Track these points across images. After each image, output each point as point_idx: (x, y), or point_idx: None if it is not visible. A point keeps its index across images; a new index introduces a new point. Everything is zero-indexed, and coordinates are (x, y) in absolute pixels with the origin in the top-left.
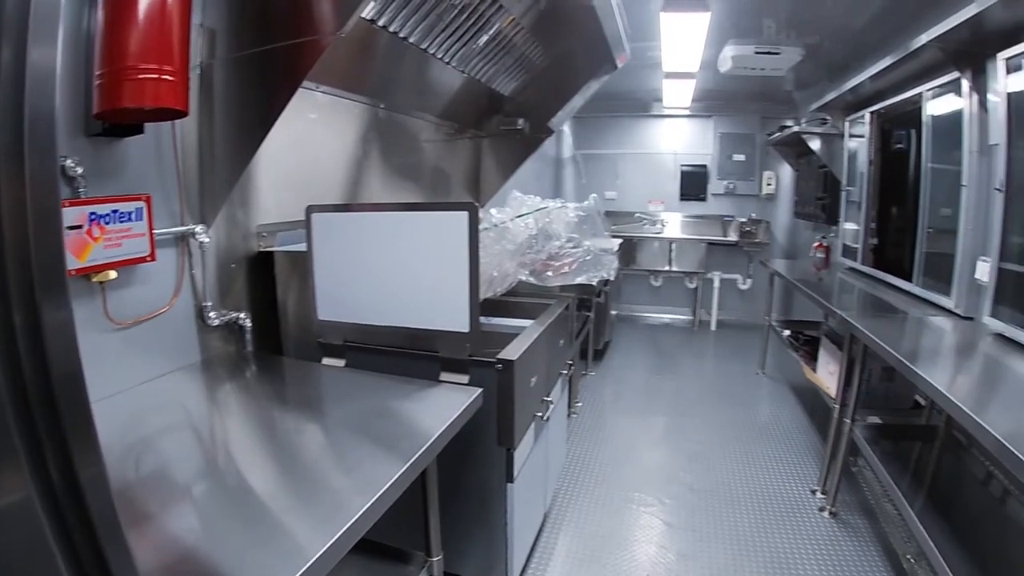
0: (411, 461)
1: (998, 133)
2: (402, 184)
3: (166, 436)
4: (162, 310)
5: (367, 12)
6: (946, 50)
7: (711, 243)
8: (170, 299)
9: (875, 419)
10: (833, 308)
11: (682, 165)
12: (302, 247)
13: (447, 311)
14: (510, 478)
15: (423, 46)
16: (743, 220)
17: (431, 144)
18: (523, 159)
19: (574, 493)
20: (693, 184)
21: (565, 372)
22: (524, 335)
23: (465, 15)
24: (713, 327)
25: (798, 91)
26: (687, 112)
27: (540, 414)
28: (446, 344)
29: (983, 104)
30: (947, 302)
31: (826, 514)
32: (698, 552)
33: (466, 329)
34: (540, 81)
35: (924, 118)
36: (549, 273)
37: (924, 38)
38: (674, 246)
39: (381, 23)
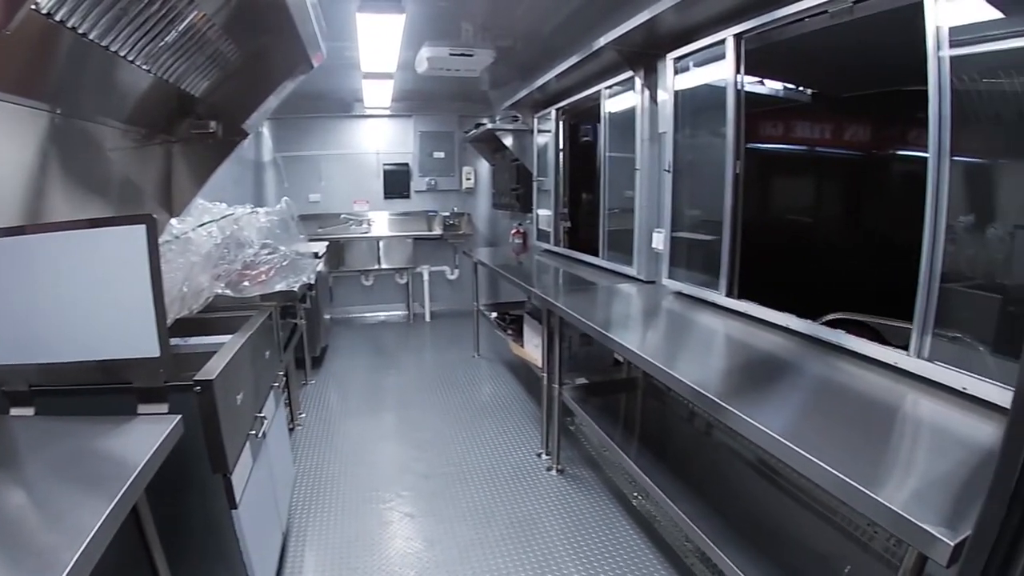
0: (112, 504)
1: (666, 123)
2: (88, 199)
3: None
4: None
5: (43, 6)
6: (622, 52)
7: (417, 238)
8: None
9: (582, 380)
10: (530, 288)
11: (385, 164)
12: None
13: (135, 337)
14: (233, 504)
15: (105, 43)
16: (446, 214)
17: (118, 153)
18: (217, 164)
19: (312, 506)
20: (396, 182)
21: (277, 385)
22: (222, 352)
23: (154, 8)
24: (428, 319)
25: (493, 90)
26: (388, 112)
27: (254, 432)
28: (139, 373)
29: (653, 98)
30: (631, 270)
31: (554, 472)
32: (442, 535)
33: (156, 354)
34: (234, 81)
35: (603, 112)
36: (246, 283)
37: (602, 41)
38: (382, 244)
39: (58, 17)
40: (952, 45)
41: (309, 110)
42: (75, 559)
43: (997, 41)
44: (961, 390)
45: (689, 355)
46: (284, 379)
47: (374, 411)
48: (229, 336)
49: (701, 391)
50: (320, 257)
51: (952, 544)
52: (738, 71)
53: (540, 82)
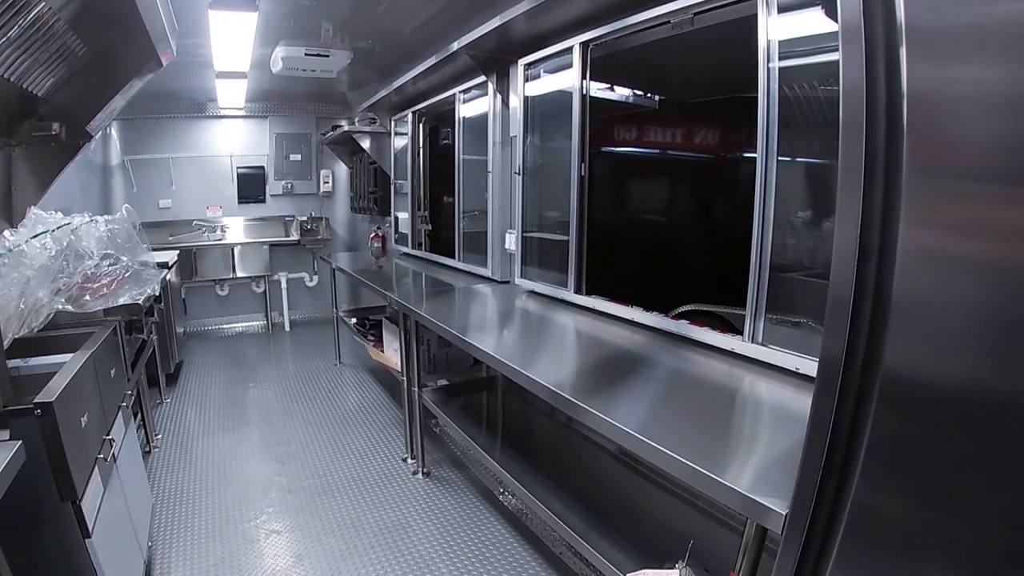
0: None
1: (516, 127)
2: None
3: None
4: None
5: None
6: (475, 56)
7: (274, 244)
8: None
9: (443, 381)
10: (386, 293)
11: (239, 167)
12: None
13: None
14: (86, 533)
15: None
16: (304, 219)
17: None
18: (60, 169)
19: (174, 530)
20: (251, 186)
21: (125, 404)
22: (63, 371)
23: None
24: (287, 328)
25: (352, 91)
26: (243, 113)
27: (102, 456)
28: None
29: (506, 103)
30: (486, 271)
31: (420, 476)
32: (311, 549)
33: None
34: (79, 80)
35: (458, 116)
36: (87, 297)
37: (456, 45)
38: (237, 251)
39: None
40: (781, 57)
41: (160, 110)
42: None
43: (820, 54)
44: (795, 370)
45: (544, 354)
46: (134, 398)
47: (234, 427)
48: (71, 355)
49: (558, 392)
50: (170, 267)
51: (784, 513)
52: (584, 77)
53: (397, 84)
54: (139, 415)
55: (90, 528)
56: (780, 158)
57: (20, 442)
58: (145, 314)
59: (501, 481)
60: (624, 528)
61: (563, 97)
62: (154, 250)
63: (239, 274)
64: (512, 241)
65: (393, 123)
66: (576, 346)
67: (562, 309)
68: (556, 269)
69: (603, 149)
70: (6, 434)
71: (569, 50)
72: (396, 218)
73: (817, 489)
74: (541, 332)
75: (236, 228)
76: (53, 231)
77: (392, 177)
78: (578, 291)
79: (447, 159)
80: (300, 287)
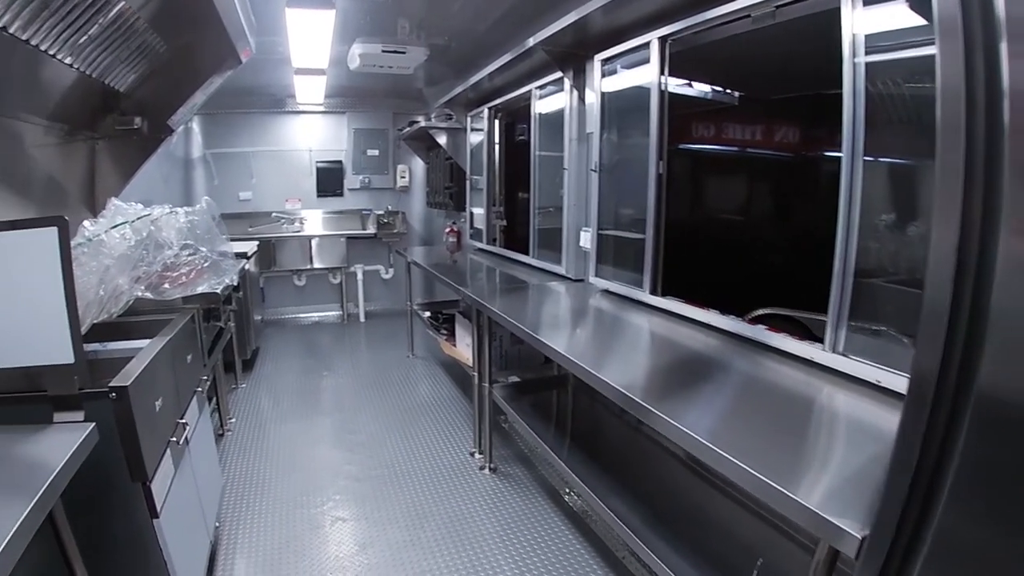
0: (24, 515)
1: (593, 123)
2: (6, 198)
3: None
4: None
5: None
6: (551, 52)
7: (351, 237)
8: None
9: (514, 378)
10: (460, 289)
11: (318, 162)
12: None
13: (48, 343)
14: (154, 513)
15: (26, 37)
16: (380, 213)
17: (39, 150)
18: (142, 161)
19: (242, 512)
20: (330, 180)
21: (200, 389)
22: (140, 356)
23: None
24: (362, 319)
25: (428, 88)
26: (321, 108)
27: (175, 439)
28: (53, 380)
29: (582, 99)
30: (560, 269)
31: (486, 471)
32: (375, 538)
33: (70, 360)
34: (160, 76)
35: (534, 112)
36: (166, 285)
37: (532, 41)
38: (314, 243)
39: None
40: (868, 52)
41: (240, 106)
42: None
43: (908, 49)
44: (875, 383)
45: (616, 356)
46: (209, 384)
47: (306, 414)
48: (149, 341)
49: (628, 394)
50: (248, 257)
51: (860, 537)
52: (662, 72)
53: (472, 80)
54: (214, 399)
55: (158, 509)
56: (866, 158)
57: (94, 424)
58: (223, 303)
59: (567, 481)
60: (689, 536)
61: (640, 93)
62: (234, 240)
63: (316, 265)
64: (587, 239)
65: (469, 119)
66: (649, 348)
67: (636, 309)
68: (631, 268)
69: (680, 146)
70: (81, 415)
71: (647, 45)
72: (471, 213)
73: (901, 512)
74: (614, 332)
75: (314, 221)
76: (132, 222)
77: (467, 173)
78: (653, 292)
79: (522, 155)
80: (376, 279)
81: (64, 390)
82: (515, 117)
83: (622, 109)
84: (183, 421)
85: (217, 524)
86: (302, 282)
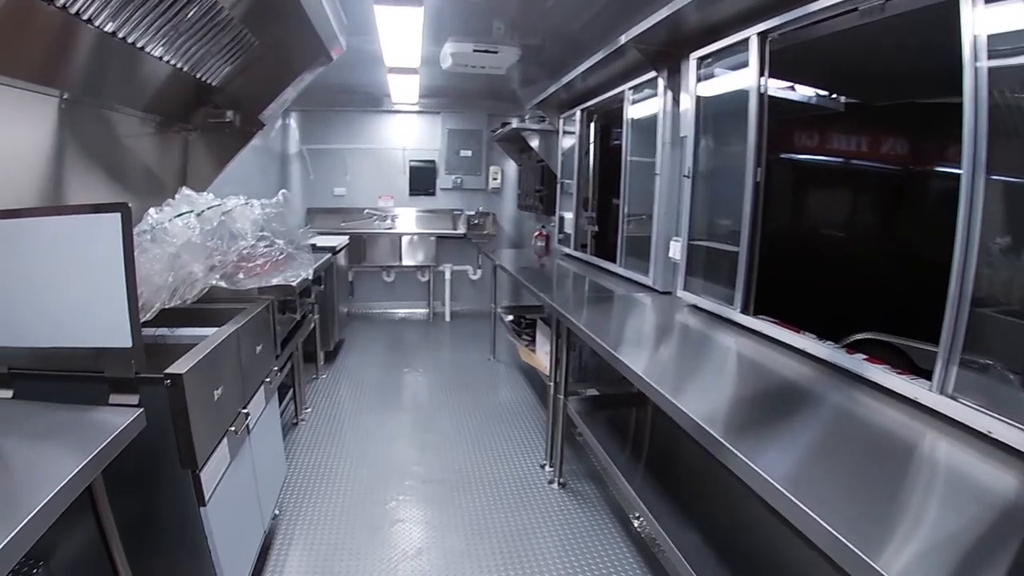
0: (60, 486)
1: (687, 126)
2: (104, 185)
3: None
4: None
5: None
6: (645, 50)
7: (441, 236)
8: None
9: (592, 391)
10: (541, 295)
11: (411, 161)
12: None
13: (108, 326)
14: (202, 501)
15: (122, 34)
16: (471, 213)
17: (135, 140)
18: (234, 153)
19: (303, 505)
20: (422, 179)
21: (269, 380)
22: (203, 344)
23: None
24: (448, 318)
25: (522, 89)
26: (416, 108)
27: (234, 428)
28: (111, 363)
29: (676, 100)
30: (647, 280)
31: (555, 486)
32: (432, 545)
33: (128, 344)
34: (252, 71)
35: (626, 113)
36: (241, 276)
37: (624, 38)
38: (405, 241)
39: (74, 11)
40: (991, 56)
41: (337, 103)
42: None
43: None
44: (986, 433)
45: (697, 381)
46: (280, 374)
47: (382, 409)
48: (216, 329)
49: (704, 426)
50: (337, 252)
51: None
52: (762, 72)
53: (565, 80)
54: (291, 389)
55: (206, 497)
56: (991, 176)
57: (141, 410)
58: (300, 295)
59: (635, 506)
60: None
61: (738, 96)
62: (326, 234)
63: (405, 263)
64: (677, 249)
65: (561, 121)
66: (735, 374)
67: (724, 328)
68: (722, 283)
69: (781, 156)
70: (136, 399)
71: (745, 42)
72: (561, 218)
73: None
74: (698, 354)
75: (406, 218)
76: (201, 212)
77: (559, 176)
78: (745, 310)
79: (613, 159)
80: (463, 279)
81: (121, 373)
82: (608, 120)
83: (718, 112)
84: (245, 411)
85: (277, 513)
86: (391, 278)
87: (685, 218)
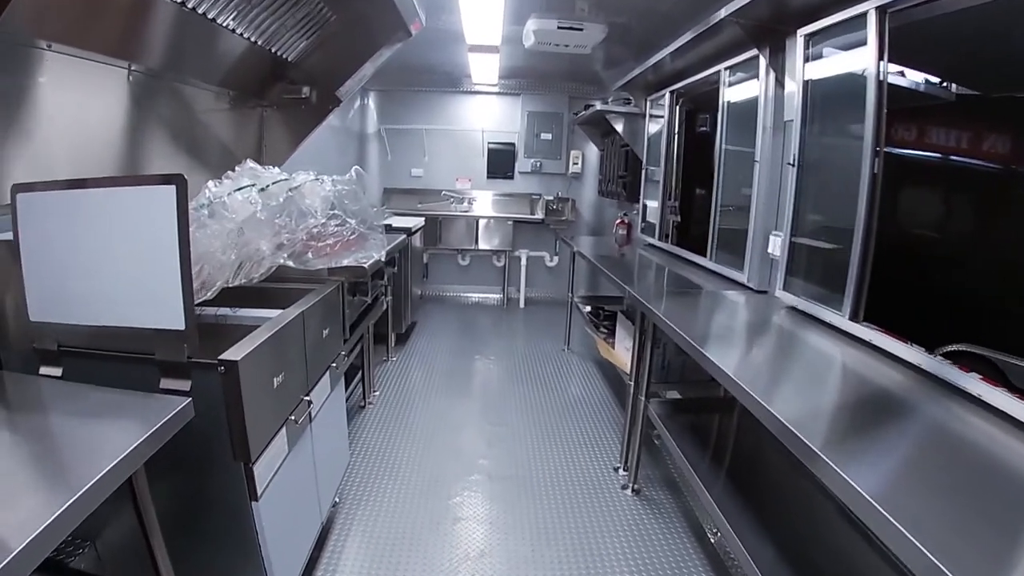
0: (101, 475)
1: (793, 109)
2: (181, 160)
3: None
4: None
5: None
6: (745, 26)
7: (518, 221)
8: None
9: (674, 394)
10: (625, 286)
11: (490, 143)
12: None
13: (160, 306)
14: (254, 496)
15: (193, 4)
16: (550, 198)
17: (211, 115)
18: (310, 130)
19: (367, 493)
20: (501, 162)
21: (335, 365)
22: (264, 328)
23: None
24: (522, 304)
25: (606, 70)
26: (496, 89)
27: (294, 418)
28: (163, 345)
29: (780, 81)
30: (740, 276)
31: (629, 492)
32: (495, 546)
33: (181, 326)
34: (329, 46)
35: (722, 96)
36: (310, 255)
37: (723, 12)
38: (481, 224)
39: None
40: None
41: (416, 83)
42: (37, 532)
43: None
44: None
45: (792, 387)
46: (348, 358)
47: (452, 396)
48: (281, 311)
49: (794, 431)
50: (413, 233)
51: None
52: (881, 52)
53: (654, 60)
54: (360, 371)
55: (259, 492)
56: None
57: (188, 400)
58: (373, 276)
59: (713, 519)
60: None
61: (850, 78)
62: (401, 215)
63: (481, 246)
64: (777, 245)
65: (648, 104)
66: (837, 383)
67: (825, 334)
68: (827, 285)
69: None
70: (188, 385)
71: (861, 18)
72: (645, 206)
73: None
74: (795, 359)
75: (483, 201)
76: (266, 187)
77: (644, 162)
78: (854, 317)
79: (704, 145)
80: (539, 265)
81: (173, 356)
82: (698, 104)
83: (828, 96)
84: (308, 398)
85: (337, 500)
86: (466, 261)
87: (788, 211)
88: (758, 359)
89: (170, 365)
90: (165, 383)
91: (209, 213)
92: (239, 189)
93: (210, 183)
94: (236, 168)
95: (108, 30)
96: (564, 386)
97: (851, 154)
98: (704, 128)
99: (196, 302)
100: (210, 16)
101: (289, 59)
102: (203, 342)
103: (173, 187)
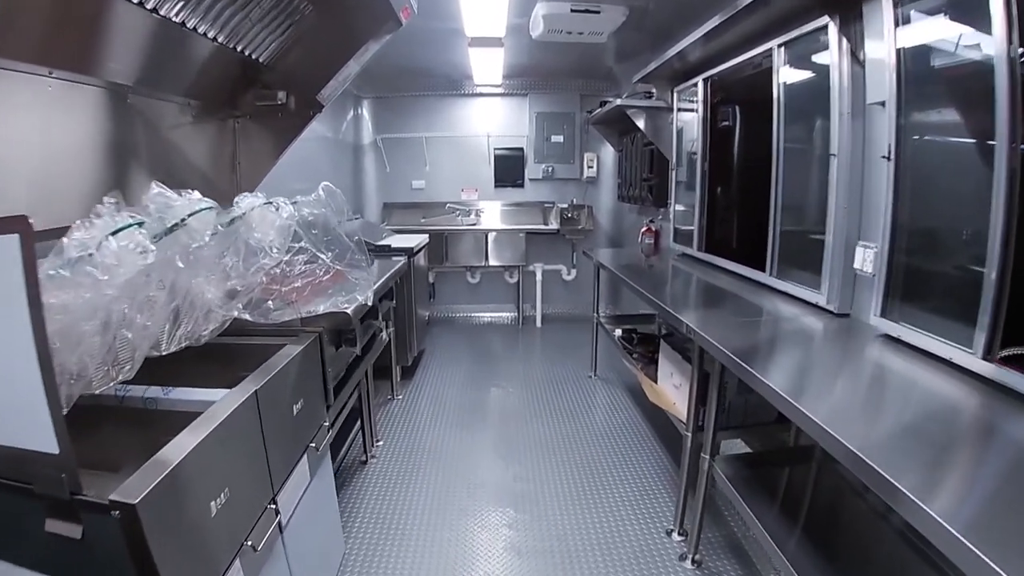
0: None
1: (882, 89)
2: (147, 179)
3: None
4: None
5: None
6: None
7: (531, 232)
8: None
9: (739, 443)
10: (681, 318)
11: (496, 149)
12: None
13: (25, 418)
14: None
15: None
16: (564, 206)
17: (176, 130)
18: (290, 141)
19: None
20: (509, 169)
21: (315, 444)
22: (195, 426)
23: None
24: (539, 323)
25: (619, 64)
26: (500, 90)
27: (251, 543)
28: (37, 473)
29: (856, 57)
30: (815, 296)
31: (688, 563)
32: None
33: (54, 449)
34: (306, 43)
35: (777, 78)
36: (270, 304)
37: None
38: (490, 238)
39: None
40: None
41: (414, 88)
42: None
43: None
44: None
45: (939, 469)
46: (332, 430)
47: (467, 445)
48: (227, 391)
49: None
50: (414, 252)
51: None
52: (1008, 16)
53: (684, 44)
54: (360, 419)
55: None
56: None
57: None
58: (364, 317)
59: None
60: None
61: (964, 42)
62: (404, 232)
63: (492, 262)
64: (867, 259)
65: (675, 95)
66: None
67: (942, 373)
68: (943, 312)
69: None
70: (78, 530)
71: None
72: (675, 211)
73: None
74: (906, 400)
75: (491, 213)
76: (174, 225)
77: (672, 162)
78: (987, 355)
79: (751, 138)
80: (556, 280)
81: (52, 490)
82: (730, 90)
83: (925, 71)
84: (274, 507)
85: None
86: (476, 279)
87: (885, 217)
88: (886, 424)
89: (53, 502)
90: (51, 526)
91: (74, 275)
92: (114, 232)
93: (75, 225)
94: (107, 200)
95: (24, 30)
96: (594, 422)
97: (958, 146)
98: (739, 114)
99: (116, 381)
100: (148, 7)
101: (261, 60)
102: (132, 436)
103: (16, 236)
